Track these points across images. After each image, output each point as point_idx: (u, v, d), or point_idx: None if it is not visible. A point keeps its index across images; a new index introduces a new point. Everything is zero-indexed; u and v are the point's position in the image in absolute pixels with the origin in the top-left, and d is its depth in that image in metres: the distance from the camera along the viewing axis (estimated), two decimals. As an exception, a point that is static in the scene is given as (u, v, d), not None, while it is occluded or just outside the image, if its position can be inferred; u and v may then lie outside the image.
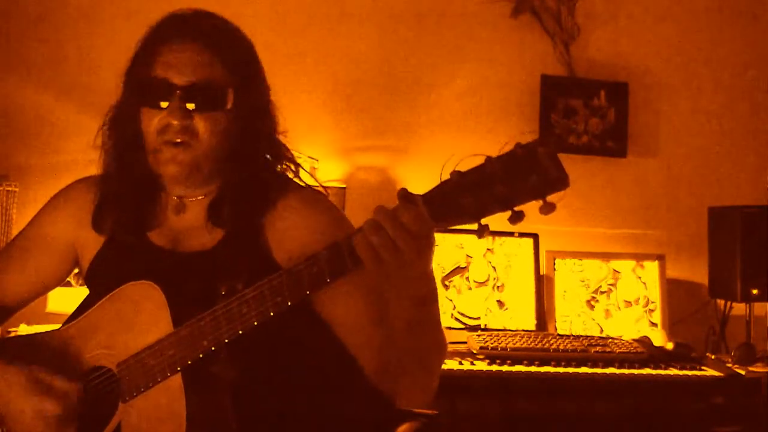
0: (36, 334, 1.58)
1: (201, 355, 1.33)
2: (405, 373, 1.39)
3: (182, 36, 1.45)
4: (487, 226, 1.17)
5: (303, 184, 1.57)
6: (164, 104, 1.43)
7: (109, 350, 1.44)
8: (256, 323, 1.30)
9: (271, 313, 1.29)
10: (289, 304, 1.28)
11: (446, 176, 1.18)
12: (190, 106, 1.42)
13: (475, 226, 1.18)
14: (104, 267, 1.55)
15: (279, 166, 1.56)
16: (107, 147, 1.54)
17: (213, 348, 1.33)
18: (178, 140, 1.43)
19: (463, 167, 1.17)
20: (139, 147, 1.48)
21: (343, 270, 1.25)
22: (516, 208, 1.14)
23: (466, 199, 1.15)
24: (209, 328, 1.32)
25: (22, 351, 1.51)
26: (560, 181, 1.11)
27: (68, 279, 1.71)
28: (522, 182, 1.12)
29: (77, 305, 1.57)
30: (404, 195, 1.20)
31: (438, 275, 2.88)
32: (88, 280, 1.59)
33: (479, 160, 1.16)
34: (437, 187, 1.18)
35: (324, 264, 1.25)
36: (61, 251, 1.61)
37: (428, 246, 1.23)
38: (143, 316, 1.39)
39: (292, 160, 1.57)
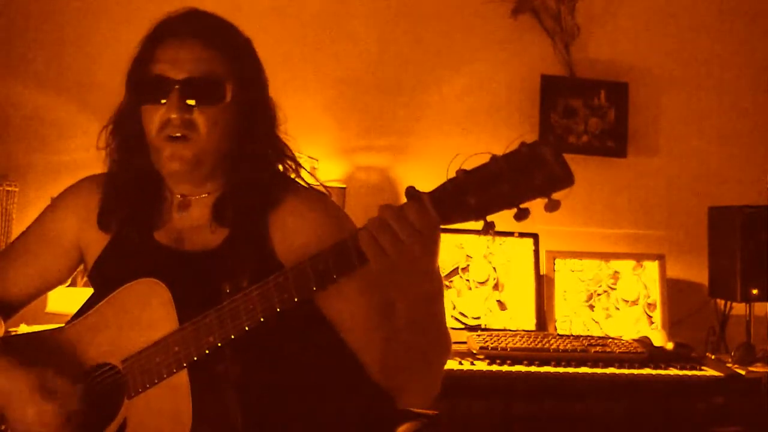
0: (42, 331, 1.58)
1: (206, 351, 1.34)
2: (407, 372, 1.39)
3: (180, 34, 1.47)
4: (492, 223, 1.18)
5: (306, 185, 1.58)
6: (164, 100, 1.44)
7: (114, 347, 1.45)
8: (262, 319, 1.31)
9: (278, 309, 1.30)
10: (296, 300, 1.29)
11: (452, 174, 1.19)
12: (190, 101, 1.44)
13: (480, 224, 1.18)
14: (109, 265, 1.56)
15: (281, 165, 1.57)
16: (111, 148, 1.56)
17: (219, 344, 1.33)
18: (178, 134, 1.44)
19: (468, 166, 1.17)
20: (142, 147, 1.50)
21: (350, 267, 1.25)
22: (521, 206, 1.15)
23: (472, 197, 1.16)
24: (215, 324, 1.33)
25: (28, 349, 1.51)
26: (565, 179, 1.12)
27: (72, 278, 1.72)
28: (527, 180, 1.13)
29: (81, 304, 1.57)
30: (412, 193, 1.21)
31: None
32: (92, 278, 1.60)
33: (484, 159, 1.16)
34: (443, 185, 1.19)
35: (331, 261, 1.26)
36: (66, 248, 1.62)
37: (434, 243, 1.23)
38: (149, 314, 1.40)
39: (293, 158, 1.58)
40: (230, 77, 1.47)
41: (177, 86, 1.43)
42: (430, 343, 1.37)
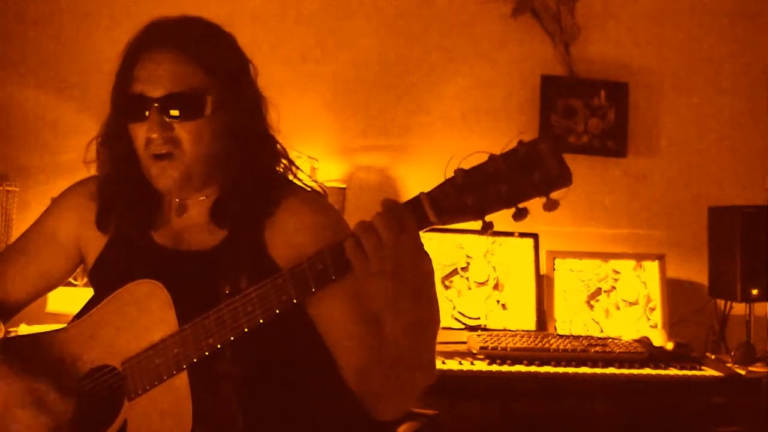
0: (41, 333, 1.58)
1: (206, 353, 1.34)
2: (381, 386, 1.38)
3: (157, 45, 1.45)
4: (491, 223, 1.18)
5: (303, 186, 1.57)
6: (144, 118, 1.43)
7: (113, 349, 1.44)
8: (261, 321, 1.30)
9: (277, 311, 1.30)
10: (295, 301, 1.29)
11: (450, 174, 1.18)
12: (170, 119, 1.43)
13: (478, 224, 1.18)
14: (108, 266, 1.56)
15: (277, 166, 1.56)
16: (102, 161, 1.56)
17: (218, 346, 1.33)
18: (163, 152, 1.44)
19: (466, 165, 1.17)
20: (133, 160, 1.49)
21: (349, 268, 1.25)
22: (520, 205, 1.15)
23: (470, 197, 1.16)
24: (214, 326, 1.33)
25: (27, 351, 1.51)
26: (563, 178, 1.12)
27: (71, 279, 1.72)
28: (525, 179, 1.13)
29: (82, 305, 1.57)
30: (388, 203, 1.21)
31: (438, 275, 2.88)
32: (92, 278, 1.60)
33: (482, 158, 1.16)
34: (441, 185, 1.19)
35: (329, 262, 1.26)
36: (66, 249, 1.62)
37: (415, 254, 1.22)
38: (148, 315, 1.40)
39: (287, 157, 1.57)
40: (211, 88, 1.45)
41: (155, 104, 1.42)
42: (412, 368, 1.35)
